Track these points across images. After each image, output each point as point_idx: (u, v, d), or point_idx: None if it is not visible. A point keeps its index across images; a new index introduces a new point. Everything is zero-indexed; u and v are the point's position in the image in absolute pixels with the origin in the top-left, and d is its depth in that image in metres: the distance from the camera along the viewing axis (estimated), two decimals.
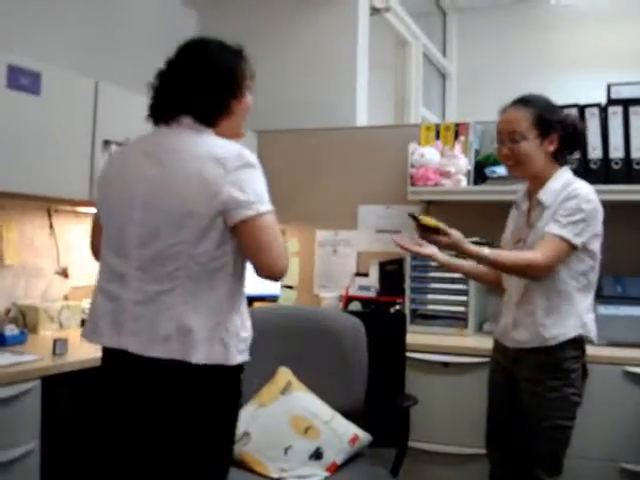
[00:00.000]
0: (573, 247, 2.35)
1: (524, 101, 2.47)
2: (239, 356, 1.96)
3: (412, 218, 2.44)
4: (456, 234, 2.40)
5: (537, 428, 2.39)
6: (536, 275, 2.37)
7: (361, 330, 2.83)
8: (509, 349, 2.50)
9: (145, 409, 1.96)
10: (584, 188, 2.41)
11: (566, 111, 3.02)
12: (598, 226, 2.41)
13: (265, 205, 1.92)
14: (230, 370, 1.95)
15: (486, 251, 2.39)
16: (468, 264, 2.74)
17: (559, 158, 2.50)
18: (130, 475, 2.02)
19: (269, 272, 1.95)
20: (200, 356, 1.88)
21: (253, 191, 1.90)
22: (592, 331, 2.43)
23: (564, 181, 2.45)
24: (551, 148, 2.45)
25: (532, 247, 2.40)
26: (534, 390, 2.40)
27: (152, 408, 1.95)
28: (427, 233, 2.41)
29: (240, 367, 1.99)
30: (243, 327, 1.99)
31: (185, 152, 1.93)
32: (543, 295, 2.41)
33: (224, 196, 1.86)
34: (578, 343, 2.40)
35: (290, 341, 2.84)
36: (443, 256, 2.66)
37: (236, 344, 1.94)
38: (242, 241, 1.92)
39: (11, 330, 2.82)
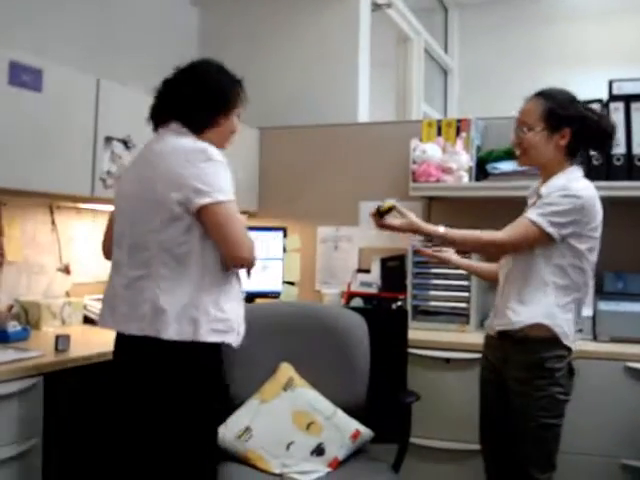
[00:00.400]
0: (548, 237, 2.35)
1: (541, 94, 2.49)
2: (213, 335, 2.14)
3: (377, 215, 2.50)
4: (410, 215, 2.46)
5: (524, 428, 2.40)
6: (494, 252, 2.47)
7: (363, 326, 2.84)
8: (493, 340, 2.55)
9: (133, 386, 2.20)
10: (580, 184, 2.41)
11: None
12: (588, 225, 2.38)
13: (225, 195, 2.13)
14: (203, 347, 2.13)
15: (441, 229, 2.44)
16: (483, 266, 2.82)
17: (573, 154, 2.49)
18: (124, 445, 2.26)
19: (232, 259, 2.17)
20: (171, 333, 2.09)
21: (215, 182, 2.13)
22: (563, 331, 2.38)
23: (570, 178, 2.44)
24: (562, 142, 2.44)
25: None
26: (521, 389, 2.40)
27: (137, 384, 2.19)
28: (383, 218, 2.48)
29: (216, 346, 2.17)
30: (217, 308, 2.16)
31: (164, 151, 2.19)
32: (520, 283, 2.44)
33: (188, 187, 2.10)
34: (554, 340, 2.38)
35: (292, 337, 2.85)
36: (460, 259, 2.75)
37: (208, 322, 2.12)
38: (205, 228, 2.14)
39: (13, 326, 2.82)
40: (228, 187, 2.16)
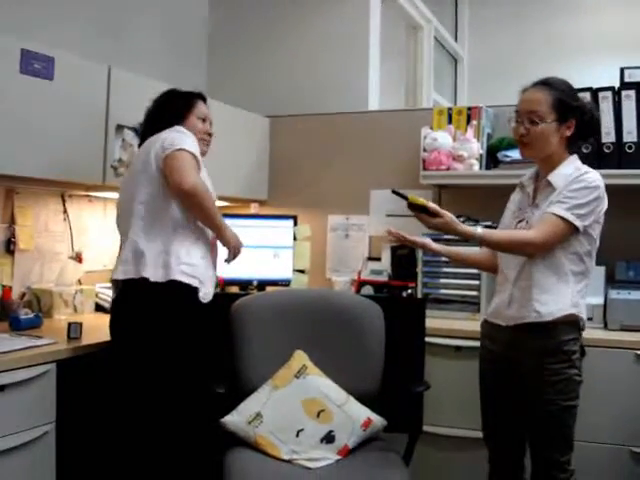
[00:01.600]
0: (575, 229, 2.36)
1: (546, 83, 2.46)
2: (183, 276, 2.53)
3: (398, 195, 2.47)
4: (448, 214, 2.41)
5: (544, 413, 2.41)
6: (531, 252, 2.40)
7: (380, 315, 2.84)
8: (502, 331, 2.51)
9: (124, 326, 2.58)
10: (592, 174, 2.43)
11: (579, 95, 3.02)
12: (601, 213, 2.43)
13: (180, 147, 2.52)
14: (176, 286, 2.51)
15: (479, 230, 2.41)
16: (462, 250, 2.79)
17: (572, 144, 2.51)
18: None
19: (174, 188, 2.50)
20: (149, 273, 2.50)
21: (178, 142, 2.54)
22: (583, 317, 2.45)
23: (574, 167, 2.46)
24: (568, 133, 2.45)
25: (532, 225, 2.44)
26: (539, 374, 2.40)
27: (127, 323, 2.57)
28: (415, 212, 2.44)
29: (190, 288, 2.54)
30: (187, 256, 2.56)
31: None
32: (540, 273, 2.42)
33: (159, 148, 2.55)
34: (575, 324, 2.42)
35: (308, 325, 2.85)
36: (438, 246, 2.70)
37: (178, 265, 2.52)
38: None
39: (26, 314, 2.84)
40: (189, 146, 2.55)
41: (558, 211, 2.37)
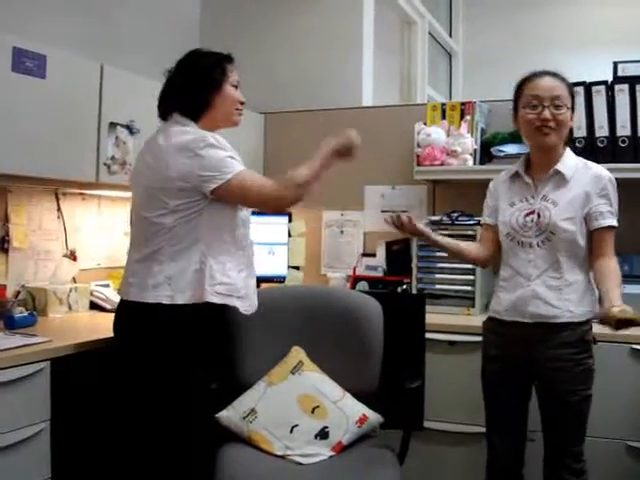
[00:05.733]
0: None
1: (556, 74, 2.50)
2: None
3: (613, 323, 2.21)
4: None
5: (566, 404, 2.43)
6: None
7: (379, 311, 2.82)
8: (520, 327, 2.49)
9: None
10: (602, 168, 2.52)
11: (573, 90, 3.03)
12: None
13: (231, 174, 2.35)
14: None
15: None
16: (461, 243, 2.79)
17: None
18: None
19: (274, 210, 2.68)
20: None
21: (216, 165, 2.33)
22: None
23: (576, 158, 2.54)
24: (572, 124, 2.52)
25: (556, 222, 2.43)
26: (561, 366, 2.42)
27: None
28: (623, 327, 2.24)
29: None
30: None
31: (167, 145, 2.37)
32: (570, 272, 2.46)
33: (193, 176, 2.32)
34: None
35: (305, 321, 2.84)
36: (437, 236, 2.76)
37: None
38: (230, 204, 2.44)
39: (20, 312, 2.84)
40: (229, 162, 2.36)
41: (613, 222, 2.46)
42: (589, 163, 2.53)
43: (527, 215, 2.51)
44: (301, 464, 2.51)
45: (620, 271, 2.45)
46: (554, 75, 2.48)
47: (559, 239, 2.45)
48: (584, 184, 2.46)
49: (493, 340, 2.63)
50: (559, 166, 2.49)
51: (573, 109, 2.49)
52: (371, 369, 2.78)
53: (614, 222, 2.45)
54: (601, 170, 2.50)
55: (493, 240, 2.67)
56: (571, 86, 2.51)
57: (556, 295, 2.45)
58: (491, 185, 2.74)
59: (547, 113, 2.42)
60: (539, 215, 2.48)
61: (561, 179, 2.48)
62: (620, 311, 2.18)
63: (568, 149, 2.55)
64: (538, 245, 2.48)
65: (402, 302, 3.10)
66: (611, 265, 2.43)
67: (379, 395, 2.76)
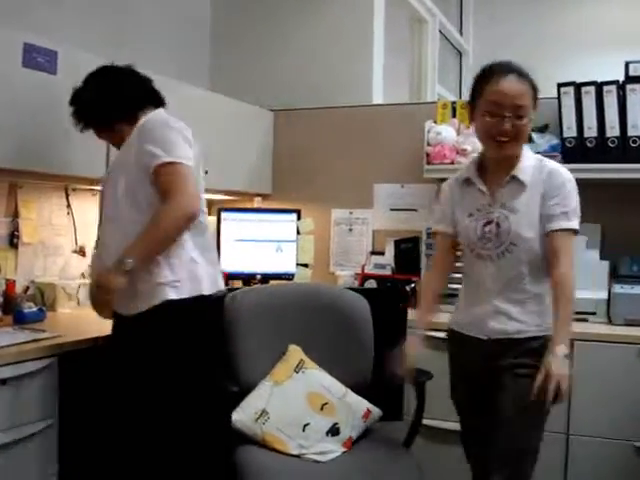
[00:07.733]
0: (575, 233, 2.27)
1: (522, 73, 2.26)
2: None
3: None
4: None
5: (530, 408, 2.19)
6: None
7: (366, 306, 2.85)
8: (481, 344, 2.35)
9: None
10: (559, 167, 2.32)
11: (584, 89, 3.00)
12: None
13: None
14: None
15: (563, 351, 2.14)
16: (429, 319, 2.58)
17: None
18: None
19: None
20: None
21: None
22: None
23: (533, 158, 2.35)
24: (531, 125, 2.31)
25: (517, 231, 2.27)
26: (521, 373, 2.25)
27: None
28: None
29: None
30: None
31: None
32: (532, 284, 2.30)
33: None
34: None
35: (296, 319, 2.84)
36: (420, 337, 2.51)
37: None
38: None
39: (29, 307, 2.85)
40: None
41: (567, 224, 2.24)
42: (546, 161, 2.33)
43: (485, 225, 2.33)
44: (318, 462, 2.52)
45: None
46: (519, 75, 2.24)
47: (520, 250, 2.28)
48: (539, 185, 2.28)
49: (455, 353, 2.52)
50: (516, 171, 2.29)
51: (535, 107, 2.26)
52: (363, 364, 2.82)
53: (569, 225, 2.24)
54: (557, 168, 2.30)
55: (453, 246, 2.51)
56: (535, 86, 2.27)
57: (519, 310, 2.30)
58: (446, 188, 2.52)
59: (507, 125, 2.21)
60: (498, 225, 2.30)
61: (518, 184, 2.29)
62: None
63: (525, 148, 2.35)
64: (499, 257, 2.31)
65: (387, 297, 3.21)
66: (565, 282, 2.22)
67: (371, 389, 2.79)
